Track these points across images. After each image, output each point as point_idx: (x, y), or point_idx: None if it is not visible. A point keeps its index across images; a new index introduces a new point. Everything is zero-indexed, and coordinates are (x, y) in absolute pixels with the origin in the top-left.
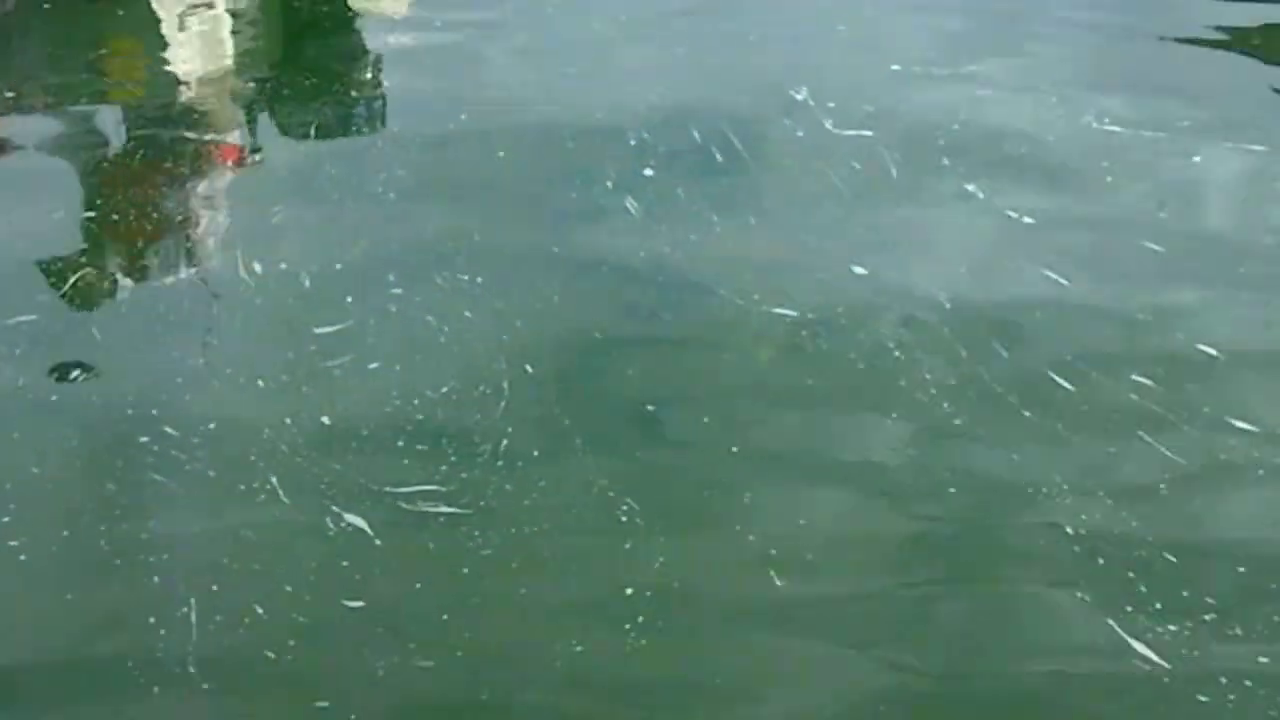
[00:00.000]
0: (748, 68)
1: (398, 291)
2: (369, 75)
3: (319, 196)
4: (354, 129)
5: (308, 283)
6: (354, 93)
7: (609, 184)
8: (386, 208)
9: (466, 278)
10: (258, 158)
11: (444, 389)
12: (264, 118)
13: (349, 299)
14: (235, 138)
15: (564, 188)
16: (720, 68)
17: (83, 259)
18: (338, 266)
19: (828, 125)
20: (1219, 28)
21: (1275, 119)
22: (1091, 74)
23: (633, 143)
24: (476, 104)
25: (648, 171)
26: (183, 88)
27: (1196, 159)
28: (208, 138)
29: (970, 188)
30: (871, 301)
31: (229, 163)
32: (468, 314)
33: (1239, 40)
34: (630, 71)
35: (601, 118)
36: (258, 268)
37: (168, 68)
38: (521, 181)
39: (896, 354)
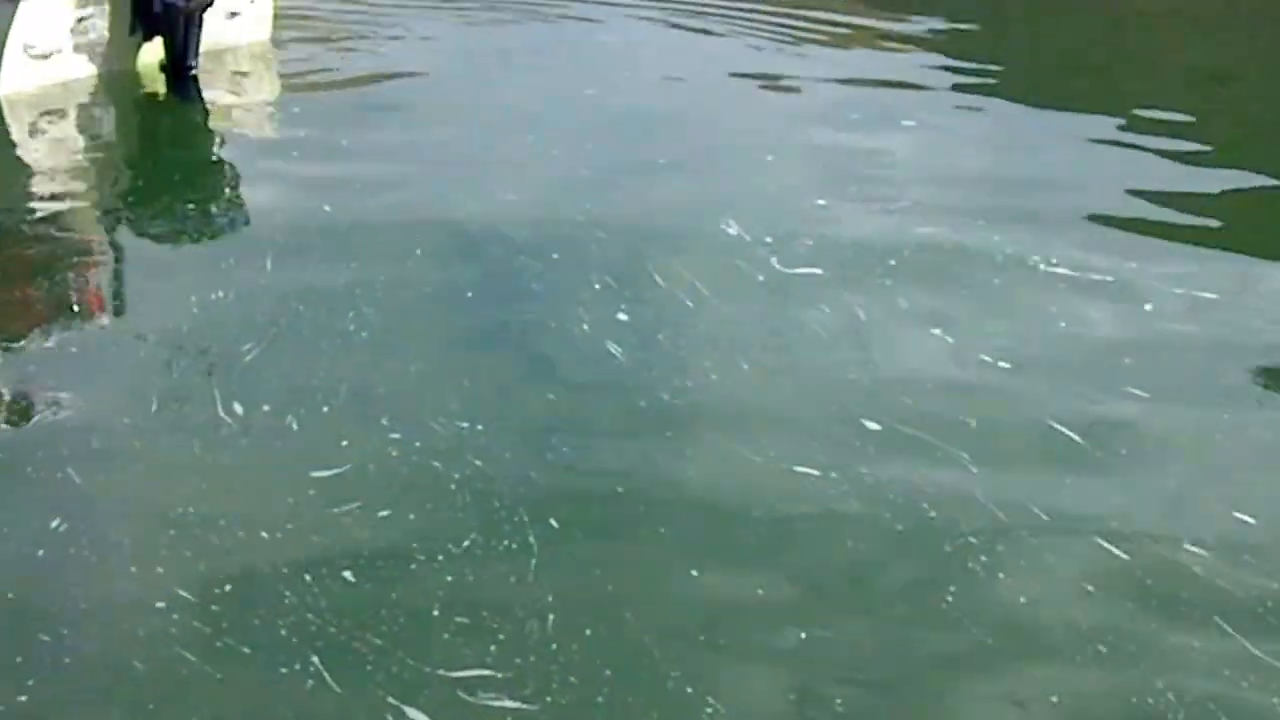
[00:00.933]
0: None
1: (396, 437)
2: (230, 186)
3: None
4: (218, 236)
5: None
6: (214, 205)
7: (585, 327)
8: (357, 350)
9: (466, 425)
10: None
11: (465, 543)
12: (123, 226)
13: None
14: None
15: (535, 328)
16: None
17: None
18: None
19: (774, 262)
20: None
21: None
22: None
23: (597, 286)
24: (391, 226)
25: (621, 316)
26: (36, 192)
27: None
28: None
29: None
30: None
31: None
32: (478, 462)
33: None
34: (558, 189)
35: (559, 257)
36: (238, 408)
37: (19, 174)
38: (487, 316)
39: (932, 514)
